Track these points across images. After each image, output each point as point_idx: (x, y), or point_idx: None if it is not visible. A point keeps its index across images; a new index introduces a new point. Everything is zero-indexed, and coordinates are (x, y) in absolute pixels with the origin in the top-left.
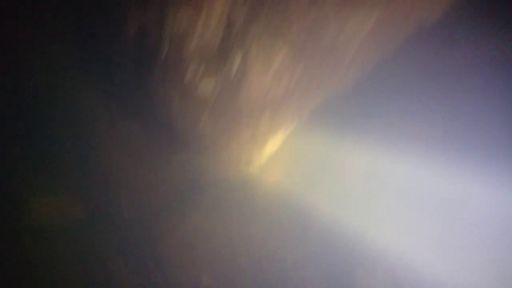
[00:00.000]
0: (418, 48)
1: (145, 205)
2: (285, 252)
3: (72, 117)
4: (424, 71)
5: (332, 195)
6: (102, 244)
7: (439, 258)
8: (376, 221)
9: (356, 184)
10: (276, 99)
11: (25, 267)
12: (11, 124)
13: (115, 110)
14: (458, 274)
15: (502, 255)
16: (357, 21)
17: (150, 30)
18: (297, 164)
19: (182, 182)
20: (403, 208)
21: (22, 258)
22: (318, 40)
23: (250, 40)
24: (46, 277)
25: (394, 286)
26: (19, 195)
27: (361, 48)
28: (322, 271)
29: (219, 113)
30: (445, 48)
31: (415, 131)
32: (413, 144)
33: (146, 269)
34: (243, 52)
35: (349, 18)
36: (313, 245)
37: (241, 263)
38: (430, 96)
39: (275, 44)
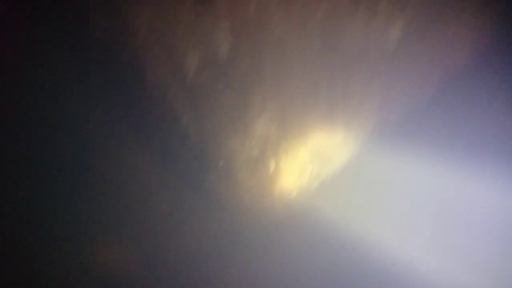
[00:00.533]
0: None
1: (192, 250)
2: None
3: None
4: None
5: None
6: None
7: (441, 259)
8: (371, 218)
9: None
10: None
11: None
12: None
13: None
14: (458, 274)
15: (502, 255)
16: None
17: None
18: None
19: (220, 224)
20: (405, 209)
21: None
22: None
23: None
24: None
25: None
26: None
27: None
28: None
29: None
30: None
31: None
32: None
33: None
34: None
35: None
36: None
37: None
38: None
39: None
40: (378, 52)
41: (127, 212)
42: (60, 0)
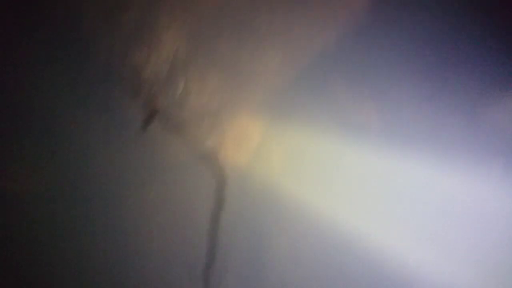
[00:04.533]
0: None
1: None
2: (246, 238)
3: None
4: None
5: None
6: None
7: (440, 258)
8: (366, 216)
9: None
10: (212, 111)
11: None
12: None
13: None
14: (458, 274)
15: (501, 255)
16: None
17: (116, 61)
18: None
19: (137, 152)
20: (399, 205)
21: None
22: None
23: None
24: None
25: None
26: None
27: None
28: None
29: (168, 117)
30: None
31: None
32: (408, 140)
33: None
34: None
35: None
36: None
37: (197, 242)
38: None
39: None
40: None
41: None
42: None
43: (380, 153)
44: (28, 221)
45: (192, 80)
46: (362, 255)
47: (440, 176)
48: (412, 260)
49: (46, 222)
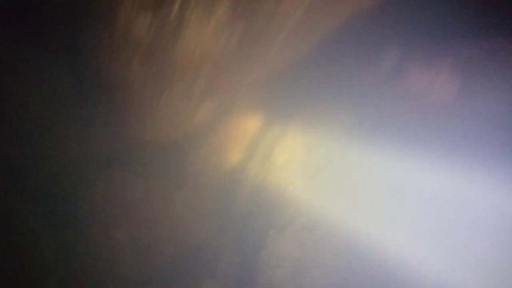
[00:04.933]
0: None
1: (61, 156)
2: (207, 223)
3: None
4: None
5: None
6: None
7: (440, 258)
8: (362, 213)
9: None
10: (214, 58)
11: None
12: None
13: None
14: (457, 274)
15: (501, 255)
16: None
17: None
18: (230, 139)
19: (105, 138)
20: (398, 205)
21: None
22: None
23: None
24: None
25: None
26: None
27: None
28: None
29: (152, 59)
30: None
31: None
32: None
33: (58, 223)
34: None
35: None
36: (234, 226)
37: (161, 227)
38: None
39: None
40: None
41: None
42: None
43: (380, 153)
44: None
45: None
46: (365, 255)
47: (441, 177)
48: (414, 260)
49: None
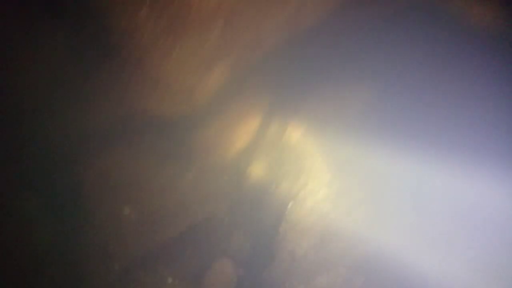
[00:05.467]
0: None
1: (61, 132)
2: (216, 203)
3: None
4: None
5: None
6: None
7: (439, 258)
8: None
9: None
10: (233, 8)
11: None
12: None
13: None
14: (457, 274)
15: (501, 255)
16: None
17: None
18: (243, 113)
19: (109, 111)
20: (393, 203)
21: None
22: None
23: None
24: None
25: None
26: None
27: None
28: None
29: (162, 10)
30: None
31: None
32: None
33: (60, 200)
34: None
35: None
36: (248, 202)
37: (168, 203)
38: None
39: None
40: None
41: None
42: None
43: (380, 153)
44: None
45: None
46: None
47: (442, 178)
48: (416, 261)
49: None
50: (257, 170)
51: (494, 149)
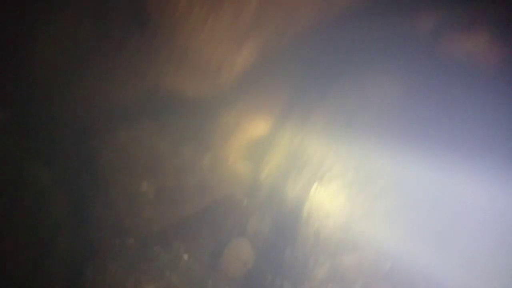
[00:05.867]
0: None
1: (80, 108)
2: (234, 185)
3: None
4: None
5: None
6: (21, 148)
7: (439, 258)
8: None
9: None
10: None
11: None
12: None
13: None
14: (457, 275)
15: (501, 255)
16: None
17: None
18: (267, 97)
19: (131, 86)
20: (395, 203)
21: None
22: None
23: None
24: None
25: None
26: None
27: None
28: (272, 212)
29: None
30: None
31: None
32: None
33: (74, 173)
34: None
35: None
36: (268, 185)
37: (189, 180)
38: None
39: None
40: None
41: None
42: None
43: (381, 153)
44: None
45: None
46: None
47: (442, 178)
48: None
49: None
50: (278, 156)
51: (496, 149)
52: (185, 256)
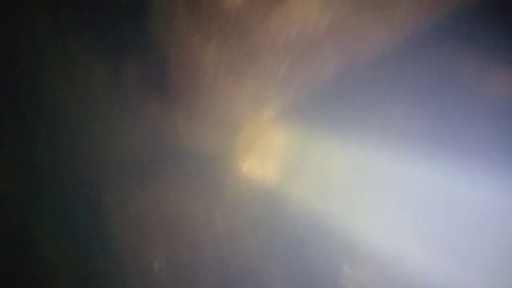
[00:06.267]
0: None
1: (92, 163)
2: (254, 244)
3: None
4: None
5: (315, 187)
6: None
7: (434, 256)
8: (365, 216)
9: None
10: (305, 43)
11: None
12: None
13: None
14: (454, 273)
15: (501, 255)
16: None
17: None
18: (281, 147)
19: (146, 142)
20: (395, 204)
21: None
22: None
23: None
24: None
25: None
26: None
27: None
28: (296, 269)
29: (233, 39)
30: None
31: (408, 126)
32: (406, 140)
33: (86, 249)
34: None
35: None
36: (284, 241)
37: (201, 251)
38: (427, 92)
39: None
40: None
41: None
42: None
43: (381, 152)
44: None
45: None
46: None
47: (442, 177)
48: (414, 260)
49: None
50: (296, 202)
51: (498, 149)
52: None
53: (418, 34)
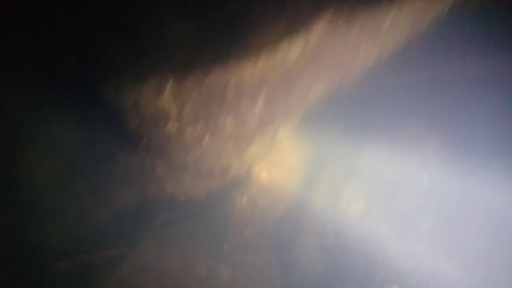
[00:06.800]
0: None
1: (78, 227)
2: None
3: None
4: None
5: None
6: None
7: (441, 258)
8: (387, 226)
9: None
10: (276, 79)
11: None
12: None
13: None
14: (460, 275)
15: (504, 256)
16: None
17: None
18: (281, 176)
19: (131, 199)
20: (410, 208)
21: None
22: None
23: None
24: None
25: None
26: None
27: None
28: None
29: (189, 91)
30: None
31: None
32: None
33: None
34: None
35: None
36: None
37: None
38: (430, 93)
39: None
40: None
41: None
42: None
43: (380, 152)
44: None
45: None
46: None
47: (442, 177)
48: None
49: None
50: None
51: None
52: None
53: (407, 42)
